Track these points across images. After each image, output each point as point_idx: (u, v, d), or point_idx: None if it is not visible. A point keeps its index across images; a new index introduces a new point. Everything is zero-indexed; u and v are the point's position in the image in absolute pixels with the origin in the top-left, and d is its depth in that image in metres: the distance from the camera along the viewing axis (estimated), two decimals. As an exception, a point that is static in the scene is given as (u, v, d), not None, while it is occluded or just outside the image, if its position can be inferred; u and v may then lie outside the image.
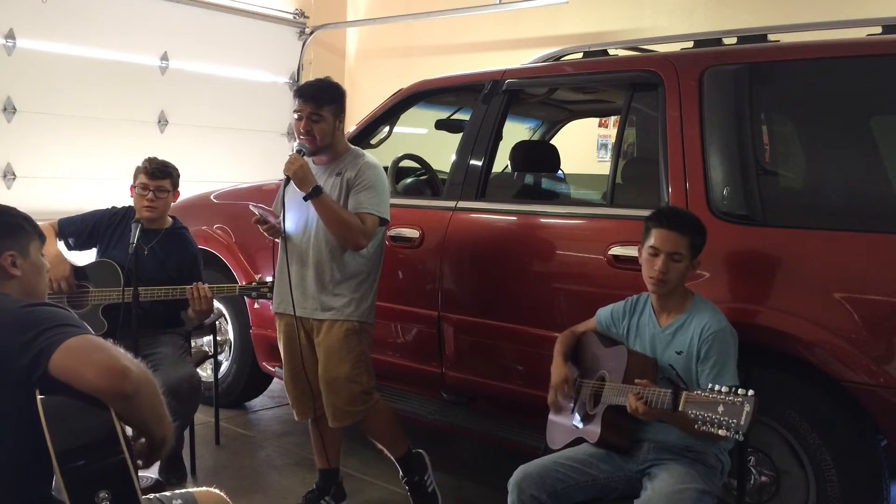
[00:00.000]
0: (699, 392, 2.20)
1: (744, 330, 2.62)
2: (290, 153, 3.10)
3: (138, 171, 3.63)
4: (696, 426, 2.21)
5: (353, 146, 3.30)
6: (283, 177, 3.12)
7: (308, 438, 3.46)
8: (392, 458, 3.39)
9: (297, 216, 3.21)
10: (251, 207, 3.27)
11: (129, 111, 6.79)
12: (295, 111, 3.16)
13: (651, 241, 2.60)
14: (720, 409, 2.11)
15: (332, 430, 3.37)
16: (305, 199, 3.05)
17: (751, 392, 2.09)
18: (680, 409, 2.23)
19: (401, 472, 3.40)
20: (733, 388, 2.14)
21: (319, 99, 3.11)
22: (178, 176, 3.70)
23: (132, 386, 1.72)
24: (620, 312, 2.76)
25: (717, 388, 2.17)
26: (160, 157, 3.69)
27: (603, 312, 2.82)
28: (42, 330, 1.74)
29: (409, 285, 3.72)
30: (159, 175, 3.59)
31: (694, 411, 2.18)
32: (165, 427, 1.86)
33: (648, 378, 2.48)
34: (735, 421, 2.08)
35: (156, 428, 1.83)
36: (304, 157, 3.09)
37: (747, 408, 2.07)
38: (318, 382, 3.24)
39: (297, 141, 3.17)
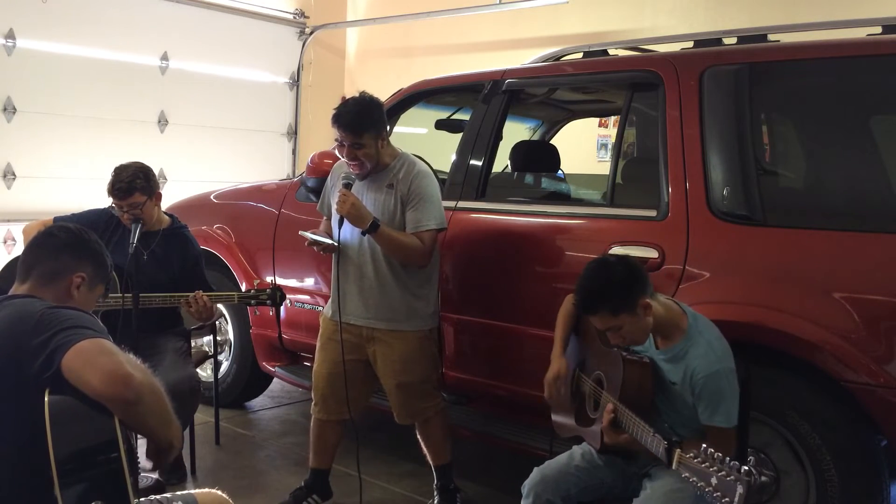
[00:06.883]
0: (692, 455, 2.08)
1: (744, 330, 2.62)
2: (339, 189, 3.02)
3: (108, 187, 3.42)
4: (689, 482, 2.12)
5: (399, 151, 3.23)
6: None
7: (308, 438, 3.46)
8: (432, 464, 3.41)
9: (353, 229, 3.12)
10: (301, 233, 3.19)
11: (129, 111, 6.80)
12: (336, 139, 3.08)
13: None
14: (713, 481, 1.99)
15: (335, 434, 3.38)
16: (364, 234, 3.03)
17: (745, 468, 1.95)
18: (673, 467, 2.15)
19: (435, 479, 3.42)
20: (727, 459, 2.00)
21: (358, 127, 3.02)
22: (151, 179, 3.47)
23: (133, 393, 1.71)
24: None
25: (710, 451, 2.04)
26: (127, 164, 3.47)
27: None
28: (58, 330, 1.74)
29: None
30: (125, 194, 3.39)
31: (686, 474, 2.10)
32: (172, 432, 1.85)
33: (646, 391, 2.42)
34: (728, 500, 1.96)
35: (162, 433, 1.83)
36: (353, 187, 3.05)
37: (740, 489, 1.94)
38: (361, 387, 3.26)
39: (343, 174, 3.10)
